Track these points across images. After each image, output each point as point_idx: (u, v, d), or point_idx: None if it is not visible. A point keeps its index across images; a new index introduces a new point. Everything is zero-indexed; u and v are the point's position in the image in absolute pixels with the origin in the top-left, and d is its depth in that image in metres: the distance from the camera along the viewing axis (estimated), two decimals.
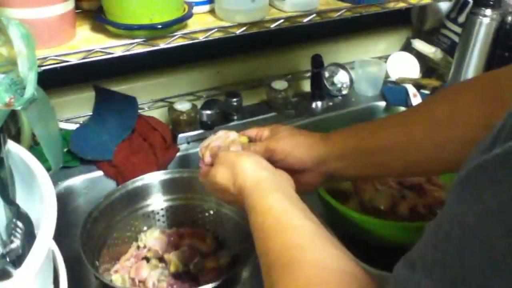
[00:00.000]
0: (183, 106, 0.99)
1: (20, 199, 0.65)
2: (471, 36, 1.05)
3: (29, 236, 0.58)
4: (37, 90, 0.63)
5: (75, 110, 1.00)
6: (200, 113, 0.79)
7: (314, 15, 0.87)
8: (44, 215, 0.56)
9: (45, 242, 0.53)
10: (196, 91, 1.09)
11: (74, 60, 0.73)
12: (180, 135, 1.00)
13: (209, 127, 0.80)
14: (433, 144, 0.56)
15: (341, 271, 0.41)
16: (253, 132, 0.68)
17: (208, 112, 0.78)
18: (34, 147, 0.87)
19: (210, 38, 0.81)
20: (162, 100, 1.07)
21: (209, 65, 1.09)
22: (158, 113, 1.07)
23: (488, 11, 1.01)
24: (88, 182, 0.93)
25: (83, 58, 0.73)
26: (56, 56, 0.71)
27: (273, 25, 0.85)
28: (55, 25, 0.71)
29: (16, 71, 0.64)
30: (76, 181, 0.92)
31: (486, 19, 1.02)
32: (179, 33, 0.78)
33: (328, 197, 0.89)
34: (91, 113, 1.00)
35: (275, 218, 0.48)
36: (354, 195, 0.96)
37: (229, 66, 1.11)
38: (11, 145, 0.68)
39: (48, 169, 0.66)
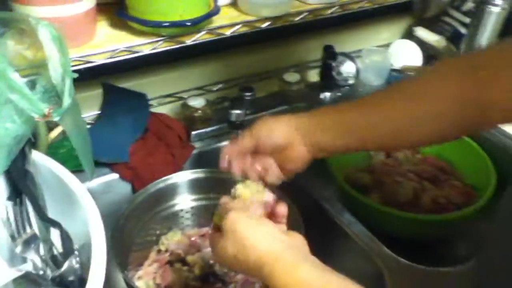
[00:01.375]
0: (197, 102, 0.95)
1: (52, 216, 0.61)
2: (480, 24, 1.05)
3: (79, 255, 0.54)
4: None
5: (82, 109, 0.94)
6: (229, 112, 0.76)
7: (337, 7, 0.85)
8: (94, 242, 0.52)
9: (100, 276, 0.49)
10: (205, 85, 1.05)
11: (99, 60, 0.68)
12: (194, 132, 0.96)
13: (238, 127, 0.76)
14: (408, 117, 0.59)
15: None
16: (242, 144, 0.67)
17: (238, 111, 0.75)
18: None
19: (236, 34, 0.77)
20: (170, 95, 1.02)
21: (217, 58, 1.05)
22: (168, 109, 1.02)
23: (498, 0, 1.01)
24: (104, 185, 0.88)
25: (109, 58, 0.69)
26: (80, 57, 0.67)
27: (297, 18, 0.82)
28: (78, 23, 0.66)
29: (45, 77, 0.59)
30: (91, 185, 0.86)
31: (496, 8, 1.02)
32: (205, 29, 0.74)
33: (350, 189, 0.88)
34: (98, 112, 0.95)
35: None
36: (374, 188, 0.96)
37: (237, 59, 1.07)
38: (37, 156, 0.63)
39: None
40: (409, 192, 0.93)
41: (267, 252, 0.51)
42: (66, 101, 0.55)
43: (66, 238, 0.54)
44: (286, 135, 0.64)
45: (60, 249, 0.57)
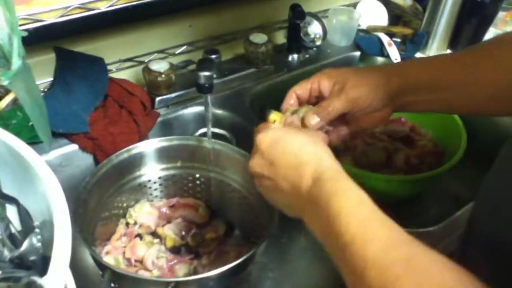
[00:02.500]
0: (160, 66, 0.89)
1: (9, 191, 0.56)
2: None
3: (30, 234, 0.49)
4: None
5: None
6: (197, 75, 0.71)
7: None
8: (56, 217, 0.47)
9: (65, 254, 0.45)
10: (167, 48, 0.99)
11: (50, 19, 0.61)
12: (159, 98, 0.91)
13: (208, 90, 0.72)
14: (497, 86, 0.55)
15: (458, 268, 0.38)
16: (304, 89, 0.62)
17: (207, 73, 0.70)
18: None
19: None
20: (130, 59, 0.96)
21: (179, 19, 0.98)
22: (127, 74, 0.96)
23: None
24: (61, 158, 0.82)
25: (61, 16, 0.62)
26: (28, 15, 0.59)
27: None
28: None
29: None
30: (48, 158, 0.81)
31: None
32: None
33: None
34: (51, 79, 0.87)
35: (373, 209, 0.43)
36: (345, 151, 0.95)
37: (200, 20, 1.01)
38: None
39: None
40: (381, 153, 0.92)
41: (333, 160, 0.50)
42: (16, 62, 0.49)
43: (24, 214, 0.49)
44: (382, 101, 0.60)
45: (19, 227, 0.53)
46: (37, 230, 0.46)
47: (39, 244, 0.45)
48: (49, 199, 0.50)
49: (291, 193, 0.51)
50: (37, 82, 0.87)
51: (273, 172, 0.52)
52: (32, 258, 0.46)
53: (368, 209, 0.43)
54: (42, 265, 0.46)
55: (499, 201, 0.46)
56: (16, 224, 0.54)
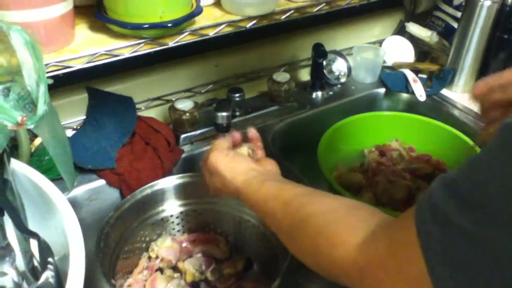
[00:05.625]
0: (185, 105, 0.93)
1: (32, 227, 0.59)
2: (471, 19, 1.03)
3: (55, 269, 0.52)
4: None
5: (67, 115, 0.92)
6: (215, 115, 0.74)
7: (323, 4, 0.83)
8: (72, 258, 0.50)
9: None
10: (194, 86, 1.03)
11: (78, 65, 0.66)
12: (183, 136, 0.95)
13: (225, 129, 0.75)
14: None
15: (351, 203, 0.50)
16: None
17: (224, 114, 0.73)
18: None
19: (221, 34, 0.76)
20: (158, 98, 1.00)
21: (205, 58, 1.03)
22: (155, 112, 1.00)
23: None
24: (90, 192, 0.86)
25: (88, 63, 0.67)
26: (57, 62, 0.65)
27: (283, 17, 0.80)
28: (55, 27, 0.64)
29: (20, 83, 0.57)
30: (77, 192, 0.85)
31: (487, 2, 1.00)
32: (188, 30, 0.73)
33: (341, 189, 0.86)
34: (84, 117, 0.93)
35: (275, 198, 0.54)
36: (367, 187, 0.94)
37: (225, 59, 1.05)
38: (16, 165, 0.61)
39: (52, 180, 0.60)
40: (403, 191, 0.91)
41: (241, 182, 0.60)
42: (41, 108, 0.53)
43: (44, 249, 0.53)
44: None
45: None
46: (50, 266, 0.48)
47: (52, 280, 0.48)
48: (67, 235, 0.53)
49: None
50: (71, 120, 0.93)
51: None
52: None
53: (272, 202, 0.55)
54: None
55: None
56: (38, 258, 0.57)
